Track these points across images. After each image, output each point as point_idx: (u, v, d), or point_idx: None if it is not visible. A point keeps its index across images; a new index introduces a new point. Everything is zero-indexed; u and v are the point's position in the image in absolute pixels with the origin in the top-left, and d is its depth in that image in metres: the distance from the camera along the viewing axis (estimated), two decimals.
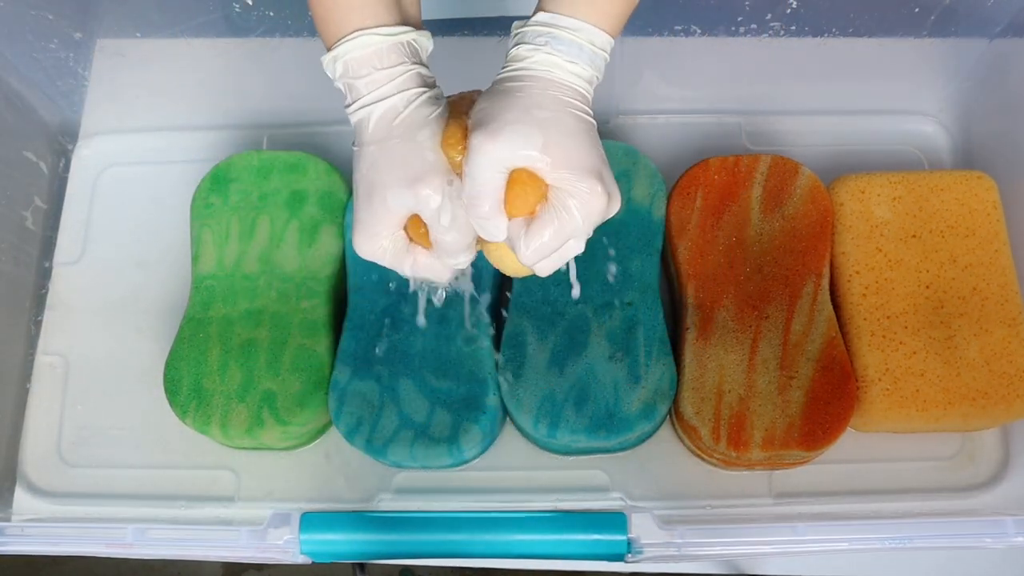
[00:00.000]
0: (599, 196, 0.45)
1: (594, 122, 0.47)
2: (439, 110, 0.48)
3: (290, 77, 0.78)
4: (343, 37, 0.47)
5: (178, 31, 0.78)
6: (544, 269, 0.47)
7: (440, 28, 0.77)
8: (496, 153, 0.44)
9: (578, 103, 0.46)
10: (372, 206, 0.48)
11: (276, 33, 0.78)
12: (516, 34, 0.48)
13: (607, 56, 0.47)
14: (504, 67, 0.47)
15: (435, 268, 0.50)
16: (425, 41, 0.50)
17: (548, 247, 0.46)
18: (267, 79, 0.78)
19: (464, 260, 0.49)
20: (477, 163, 0.45)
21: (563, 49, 0.46)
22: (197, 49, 0.79)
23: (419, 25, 0.50)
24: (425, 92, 0.48)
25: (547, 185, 0.46)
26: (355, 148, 0.49)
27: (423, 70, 0.49)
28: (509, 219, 0.46)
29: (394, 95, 0.47)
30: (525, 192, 0.46)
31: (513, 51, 0.47)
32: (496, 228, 0.46)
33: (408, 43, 0.48)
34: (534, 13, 0.47)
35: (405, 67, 0.47)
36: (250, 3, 0.73)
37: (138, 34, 0.80)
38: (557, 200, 0.45)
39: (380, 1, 0.47)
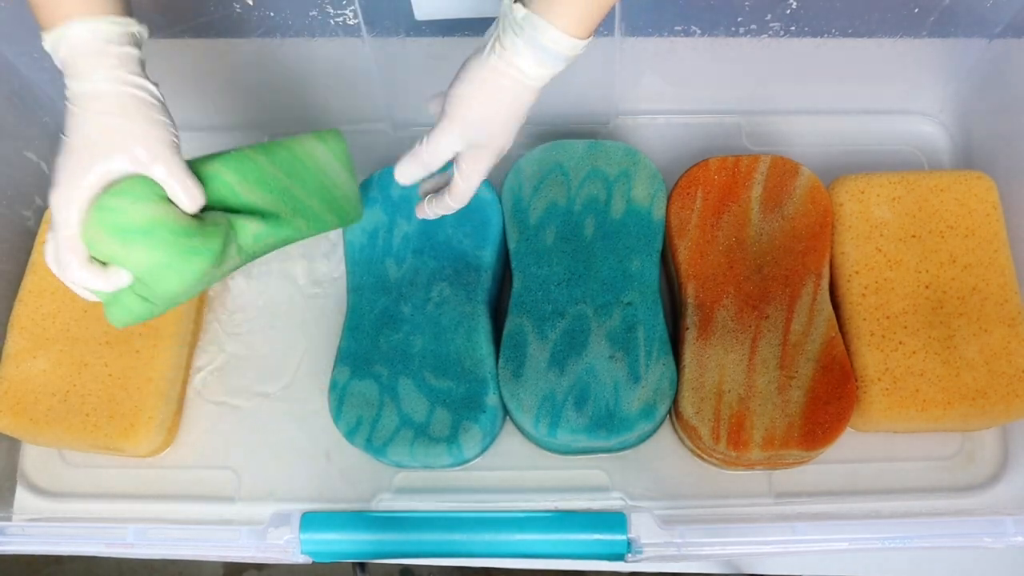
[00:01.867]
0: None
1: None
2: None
3: (290, 77, 0.78)
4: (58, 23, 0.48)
5: (178, 31, 0.78)
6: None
7: (440, 28, 0.77)
8: (454, 135, 0.51)
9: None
10: (74, 161, 0.49)
11: (276, 33, 0.78)
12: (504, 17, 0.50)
13: (572, 56, 0.50)
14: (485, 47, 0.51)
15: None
16: (140, 29, 0.51)
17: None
18: (267, 79, 0.78)
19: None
20: (440, 138, 0.51)
21: (536, 55, 0.49)
22: (197, 49, 0.79)
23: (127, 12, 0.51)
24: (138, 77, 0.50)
25: None
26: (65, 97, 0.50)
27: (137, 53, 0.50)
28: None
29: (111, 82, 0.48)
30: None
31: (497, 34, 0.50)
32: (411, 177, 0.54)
33: (130, 34, 0.49)
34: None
35: (127, 50, 0.49)
36: (250, 3, 0.73)
37: None
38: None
39: None
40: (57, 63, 0.50)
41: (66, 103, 0.49)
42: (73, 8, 0.48)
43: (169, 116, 0.52)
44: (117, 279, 0.50)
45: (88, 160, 0.49)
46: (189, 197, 0.51)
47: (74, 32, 0.48)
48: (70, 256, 0.49)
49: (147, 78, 0.51)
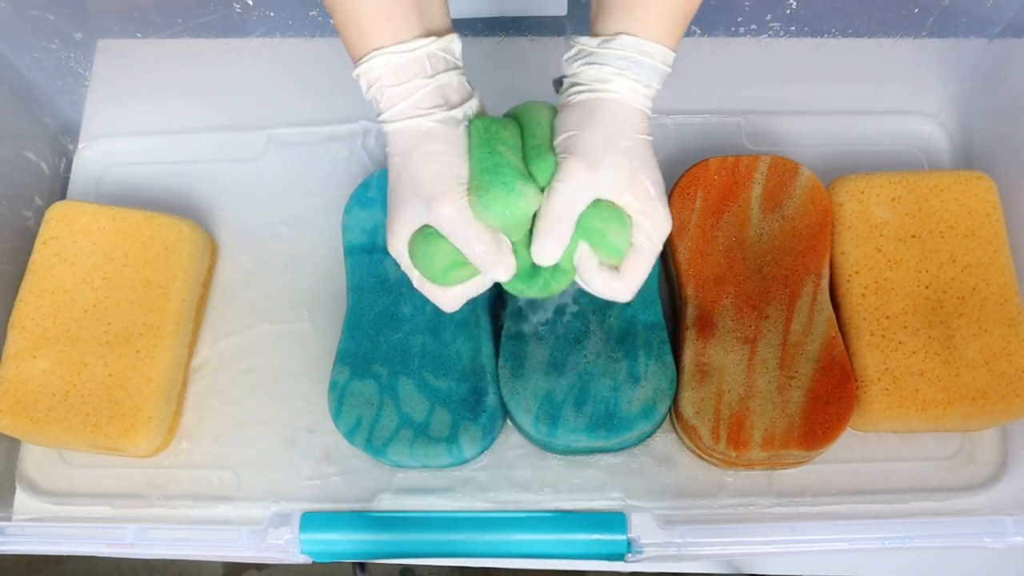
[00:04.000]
0: (668, 220, 0.50)
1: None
2: (461, 127, 0.50)
3: (290, 77, 0.78)
4: (362, 58, 0.49)
5: (178, 31, 0.78)
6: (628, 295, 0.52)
7: None
8: (590, 182, 0.48)
9: (647, 128, 0.50)
10: (394, 214, 0.51)
11: (276, 33, 0.78)
12: (591, 53, 0.50)
13: (669, 71, 0.50)
14: (580, 84, 0.50)
15: (434, 292, 0.53)
16: (451, 45, 0.51)
17: (642, 278, 0.51)
18: (267, 79, 0.78)
19: (500, 273, 0.50)
20: (568, 189, 0.48)
21: (643, 76, 0.49)
22: (198, 49, 0.79)
23: (445, 30, 0.51)
24: (442, 110, 0.49)
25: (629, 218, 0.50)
26: (387, 156, 0.51)
27: (447, 79, 0.50)
28: (604, 263, 0.51)
29: (414, 115, 0.49)
30: (624, 231, 0.50)
31: (591, 70, 0.49)
32: (556, 251, 0.49)
33: (427, 56, 0.49)
34: (596, 28, 0.50)
35: (421, 82, 0.49)
36: (250, 3, 0.73)
37: (139, 34, 0.80)
38: (642, 232, 0.50)
39: (396, 16, 0.48)
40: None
41: None
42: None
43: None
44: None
45: None
46: None
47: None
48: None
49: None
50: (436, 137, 0.49)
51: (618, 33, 0.49)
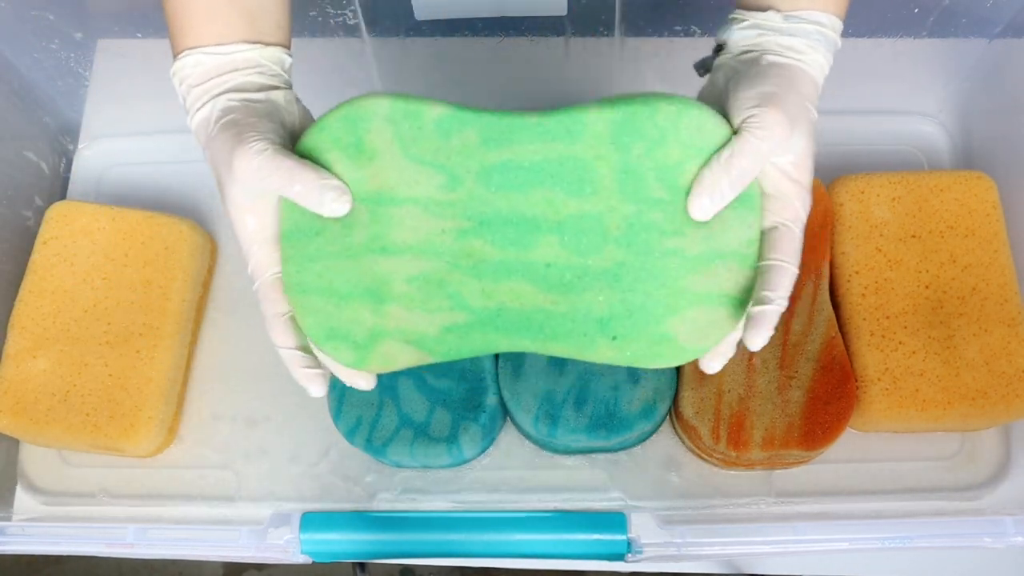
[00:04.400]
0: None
1: None
2: (263, 106, 0.46)
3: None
4: (178, 54, 0.47)
5: None
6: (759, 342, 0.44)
7: (440, 28, 0.77)
8: (785, 141, 0.42)
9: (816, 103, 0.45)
10: (236, 224, 0.45)
11: None
12: (776, 28, 0.46)
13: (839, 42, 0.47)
14: (769, 53, 0.45)
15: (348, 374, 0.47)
16: (278, 54, 0.48)
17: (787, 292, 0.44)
18: None
19: (330, 200, 0.43)
20: (759, 143, 0.42)
21: (829, 53, 0.46)
22: None
23: (274, 42, 0.48)
24: (243, 95, 0.45)
25: None
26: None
27: (254, 78, 0.46)
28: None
29: (207, 102, 0.45)
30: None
31: (781, 39, 0.45)
32: (712, 208, 0.43)
33: (245, 61, 0.46)
34: (768, 3, 0.46)
35: (224, 79, 0.46)
36: None
37: (139, 34, 0.80)
38: (789, 223, 0.44)
39: (220, 18, 0.46)
40: None
41: None
42: None
43: None
44: None
45: None
46: None
47: None
48: None
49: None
50: (236, 110, 0.44)
51: (803, 9, 0.45)
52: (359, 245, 0.44)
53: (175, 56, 0.47)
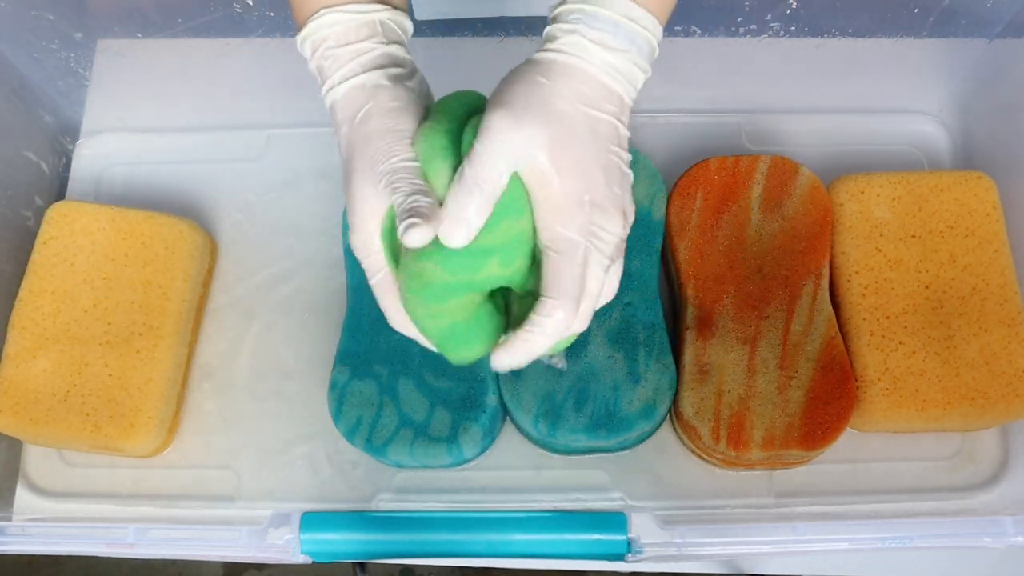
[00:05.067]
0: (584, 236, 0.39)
1: (618, 130, 0.40)
2: (415, 94, 0.45)
3: (290, 77, 0.77)
4: (310, 16, 0.44)
5: (178, 31, 0.78)
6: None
7: (440, 28, 0.77)
8: (512, 139, 0.38)
9: (613, 110, 0.40)
10: (351, 193, 0.43)
11: (276, 33, 0.78)
12: (553, 15, 0.42)
13: (653, 39, 0.41)
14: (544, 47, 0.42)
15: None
16: (404, 21, 0.47)
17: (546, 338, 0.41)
18: (267, 79, 0.78)
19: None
20: (486, 148, 0.38)
21: (604, 35, 0.39)
22: (197, 49, 0.79)
23: (399, 5, 0.47)
24: (397, 70, 0.44)
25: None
26: (333, 134, 0.45)
27: (397, 50, 0.45)
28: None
29: (360, 74, 0.43)
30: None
31: (547, 31, 0.42)
32: (467, 230, 0.39)
33: (380, 22, 0.45)
34: None
35: (371, 45, 0.44)
36: (250, 3, 0.73)
37: (139, 34, 0.80)
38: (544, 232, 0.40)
39: None
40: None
41: None
42: None
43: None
44: None
45: None
46: None
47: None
48: None
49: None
50: (387, 94, 0.43)
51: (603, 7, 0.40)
52: None
53: (303, 23, 0.44)
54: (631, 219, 0.41)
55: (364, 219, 0.43)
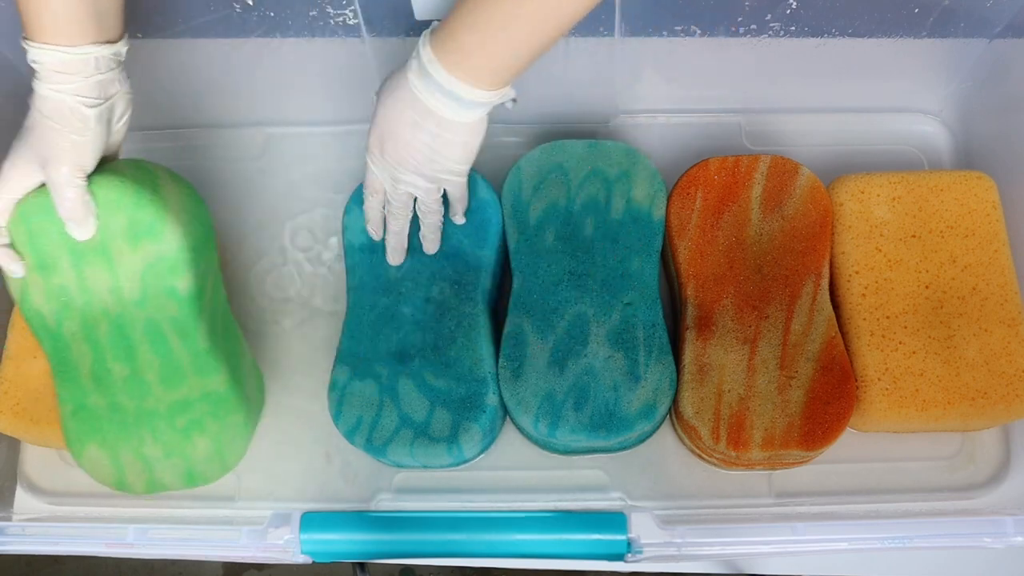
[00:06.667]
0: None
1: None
2: (102, 124, 0.56)
3: (290, 77, 0.78)
4: (35, 41, 0.53)
5: (178, 31, 0.78)
6: None
7: None
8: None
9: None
10: (10, 160, 0.56)
11: (276, 33, 0.78)
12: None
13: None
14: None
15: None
16: (122, 49, 0.57)
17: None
18: (267, 79, 0.78)
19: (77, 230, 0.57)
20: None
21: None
22: (197, 49, 0.79)
23: (118, 36, 0.56)
24: (96, 102, 0.55)
25: None
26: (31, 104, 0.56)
27: (111, 76, 0.56)
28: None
29: (69, 92, 0.54)
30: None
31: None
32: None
33: (97, 59, 0.54)
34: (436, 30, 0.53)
35: (84, 76, 0.54)
36: (250, 3, 0.73)
37: (139, 34, 0.80)
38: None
39: (75, 21, 0.52)
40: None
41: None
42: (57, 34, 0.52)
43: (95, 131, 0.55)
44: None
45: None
46: None
47: (53, 57, 0.53)
48: None
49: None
50: (78, 118, 0.54)
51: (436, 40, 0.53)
52: None
53: (29, 38, 0.53)
54: None
55: (9, 183, 0.56)
